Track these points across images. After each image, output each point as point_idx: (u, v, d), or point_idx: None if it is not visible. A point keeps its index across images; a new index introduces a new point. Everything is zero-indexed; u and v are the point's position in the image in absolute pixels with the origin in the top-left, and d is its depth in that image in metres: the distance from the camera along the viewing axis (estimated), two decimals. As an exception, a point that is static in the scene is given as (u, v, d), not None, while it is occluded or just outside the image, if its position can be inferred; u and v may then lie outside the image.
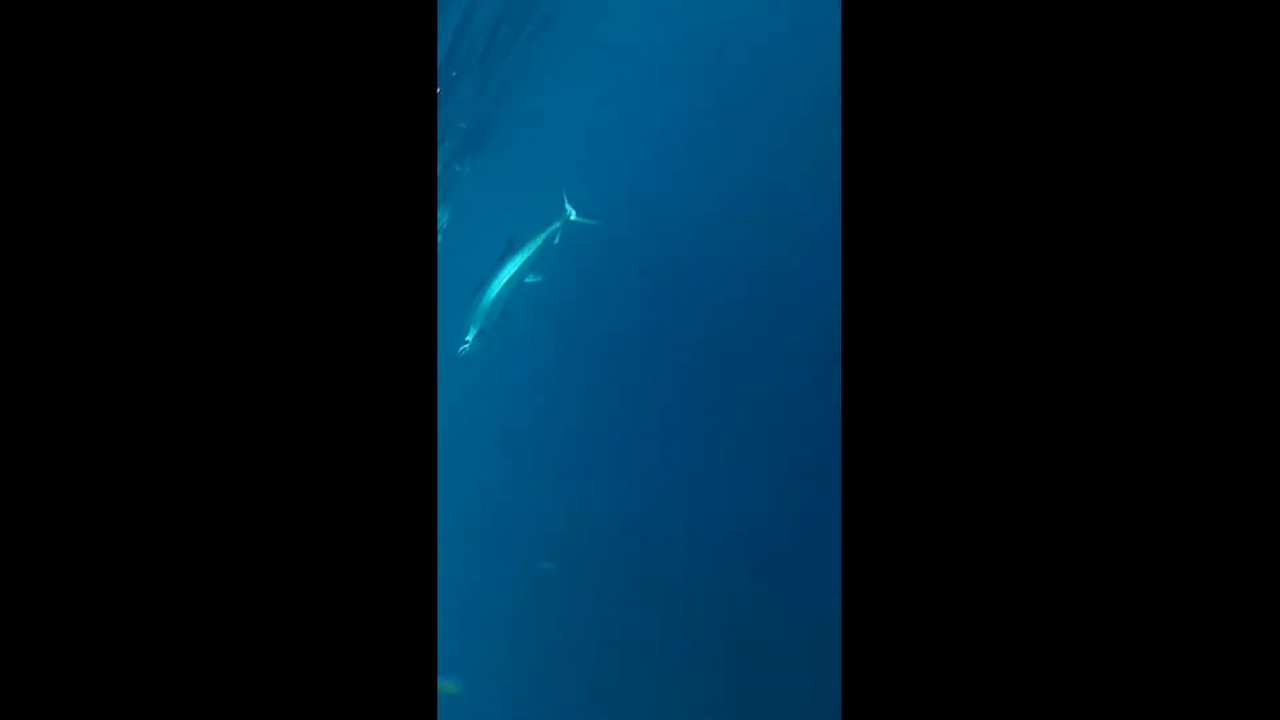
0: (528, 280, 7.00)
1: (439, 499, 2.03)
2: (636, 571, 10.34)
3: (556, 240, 7.25)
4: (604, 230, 7.88)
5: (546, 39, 10.15)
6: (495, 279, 6.88)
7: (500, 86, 9.61)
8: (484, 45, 8.44)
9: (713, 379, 11.71)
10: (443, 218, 9.05)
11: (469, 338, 6.77)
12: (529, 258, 7.02)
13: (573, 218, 7.44)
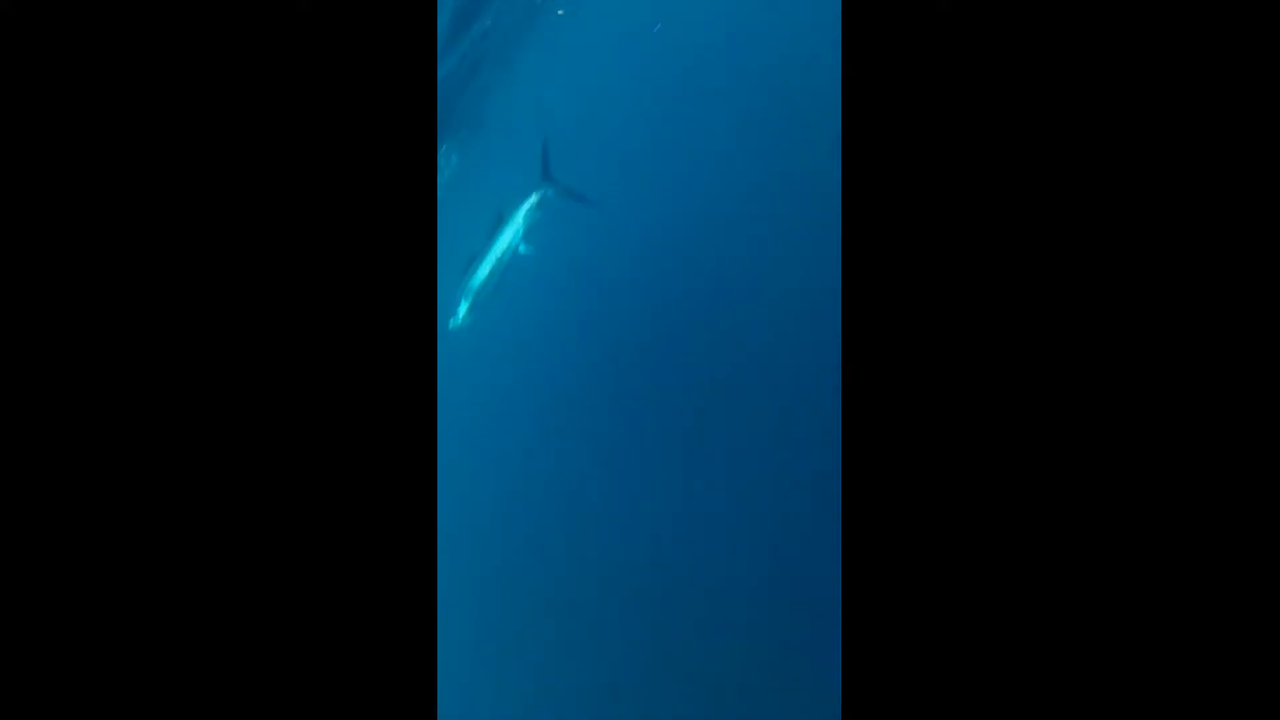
0: (520, 251, 6.89)
1: (437, 485, 2.04)
2: (634, 566, 10.31)
3: (546, 208, 7.14)
4: (601, 205, 7.80)
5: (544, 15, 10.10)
6: (487, 252, 6.75)
7: (497, 61, 9.54)
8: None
9: (712, 360, 11.67)
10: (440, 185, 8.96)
11: (461, 311, 6.67)
12: (520, 228, 6.90)
13: (559, 187, 7.28)
